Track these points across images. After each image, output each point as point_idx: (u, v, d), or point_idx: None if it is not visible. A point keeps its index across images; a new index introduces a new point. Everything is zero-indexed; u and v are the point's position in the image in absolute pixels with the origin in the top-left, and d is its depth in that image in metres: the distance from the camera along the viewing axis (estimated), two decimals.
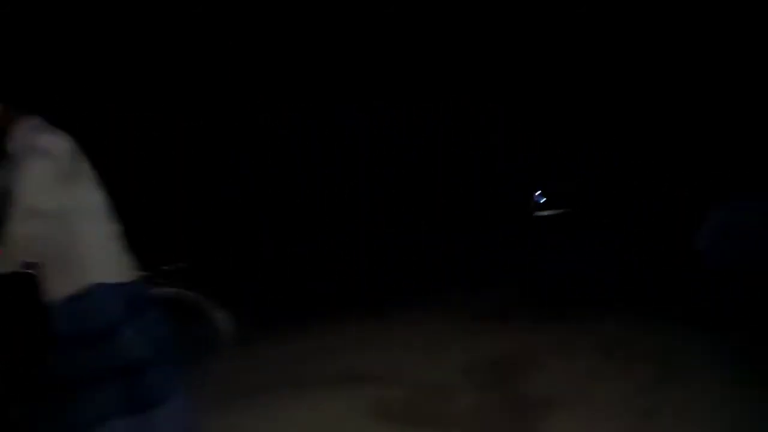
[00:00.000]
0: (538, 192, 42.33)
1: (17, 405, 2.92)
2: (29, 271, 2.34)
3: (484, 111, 20.16)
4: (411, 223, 18.73)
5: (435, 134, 20.47)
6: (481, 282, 9.32)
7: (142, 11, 11.93)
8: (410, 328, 6.17)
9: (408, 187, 19.88)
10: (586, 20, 15.58)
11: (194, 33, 12.87)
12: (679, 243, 8.00)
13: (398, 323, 6.48)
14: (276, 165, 16.26)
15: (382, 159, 19.00)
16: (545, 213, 35.53)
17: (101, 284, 2.31)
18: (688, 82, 15.01)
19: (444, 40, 16.43)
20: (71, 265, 2.29)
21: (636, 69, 16.60)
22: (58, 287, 2.29)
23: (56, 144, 2.30)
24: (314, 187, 17.14)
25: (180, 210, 13.45)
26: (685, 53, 14.53)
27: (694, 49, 14.13)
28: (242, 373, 4.99)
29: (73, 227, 2.31)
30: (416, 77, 17.39)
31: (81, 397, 2.24)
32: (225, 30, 13.25)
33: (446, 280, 9.92)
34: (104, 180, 2.51)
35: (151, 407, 2.31)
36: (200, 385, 4.71)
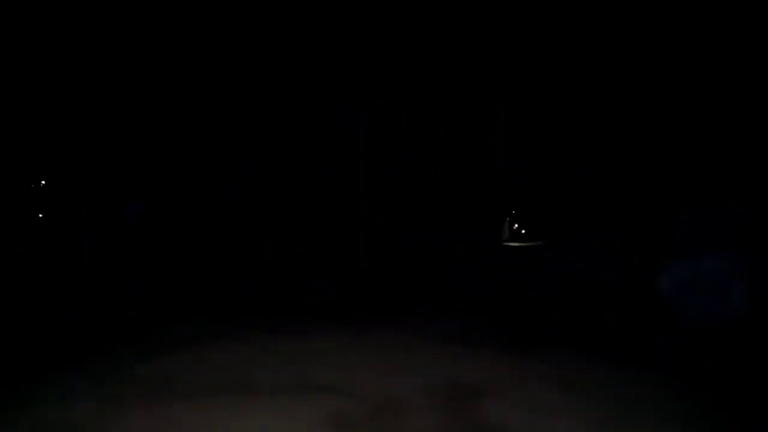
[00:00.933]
0: (513, 222, 42.84)
1: None
2: None
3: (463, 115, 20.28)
4: (389, 239, 18.73)
5: (432, 141, 20.53)
6: (450, 305, 9.35)
7: (143, 12, 11.83)
8: (374, 345, 6.11)
9: (388, 198, 19.89)
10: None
11: (194, 33, 12.80)
12: (641, 284, 8.16)
13: (362, 338, 6.40)
14: (274, 164, 16.14)
15: (376, 162, 18.99)
16: (516, 244, 35.96)
17: None
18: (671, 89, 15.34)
19: (443, 41, 16.52)
20: None
21: (633, 73, 16.82)
22: None
23: None
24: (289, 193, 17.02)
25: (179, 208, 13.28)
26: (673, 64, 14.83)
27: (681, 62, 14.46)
28: (193, 375, 4.88)
29: None
30: (416, 77, 17.41)
31: None
32: (225, 31, 13.21)
33: (415, 299, 9.92)
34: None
35: None
36: (147, 383, 4.61)
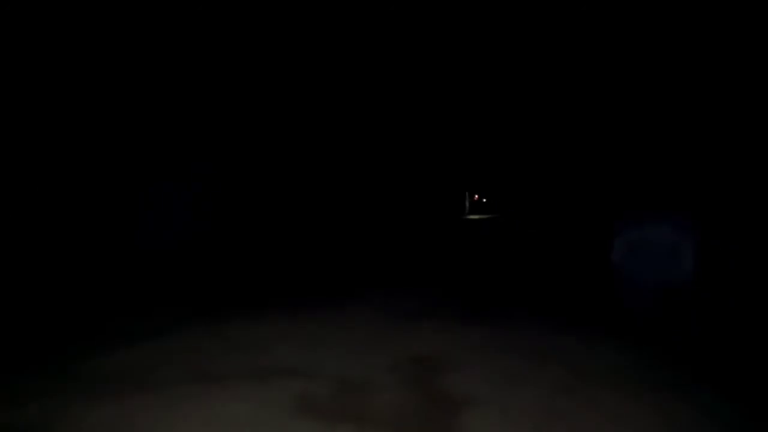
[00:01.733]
0: (478, 196, 43.46)
1: None
2: None
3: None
4: (351, 222, 18.84)
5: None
6: (410, 282, 9.48)
7: (143, 13, 11.46)
8: (338, 325, 6.16)
9: (359, 187, 20.00)
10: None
11: (194, 34, 12.48)
12: (597, 252, 8.47)
13: (326, 320, 6.44)
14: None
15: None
16: (474, 216, 36.51)
17: None
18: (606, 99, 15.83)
19: (440, 45, 16.53)
20: None
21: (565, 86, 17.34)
22: None
23: None
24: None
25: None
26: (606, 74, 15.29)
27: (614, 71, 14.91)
28: (162, 363, 4.83)
29: None
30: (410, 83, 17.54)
31: None
32: (225, 32, 12.93)
33: (376, 279, 10.00)
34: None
35: None
36: (113, 374, 4.54)
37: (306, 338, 5.58)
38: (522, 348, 5.16)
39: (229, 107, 14.37)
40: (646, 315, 5.77)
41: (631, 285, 5.64)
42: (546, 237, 16.57)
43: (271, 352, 5.05)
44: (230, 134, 14.58)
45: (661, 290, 5.36)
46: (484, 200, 48.84)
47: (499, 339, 5.52)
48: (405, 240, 18.11)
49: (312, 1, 12.57)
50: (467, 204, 40.34)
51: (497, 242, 16.98)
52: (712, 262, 6.93)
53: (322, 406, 3.79)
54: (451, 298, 7.92)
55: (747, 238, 7.95)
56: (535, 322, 6.22)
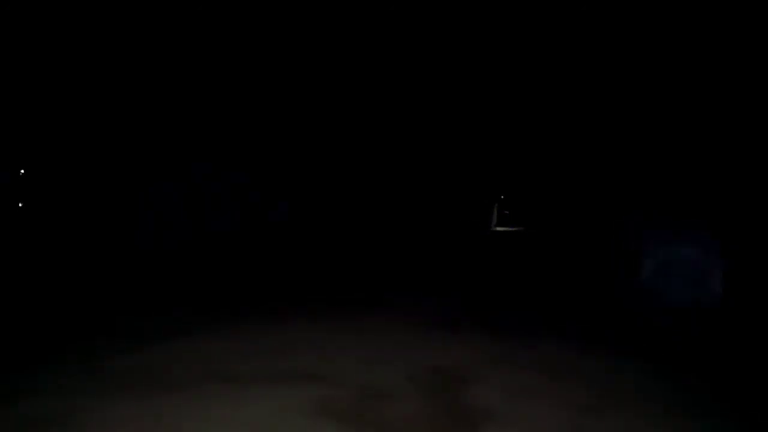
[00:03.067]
0: (502, 208, 43.25)
1: None
2: None
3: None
4: (378, 231, 18.93)
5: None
6: (435, 292, 9.43)
7: (144, 16, 11.86)
8: (361, 332, 6.17)
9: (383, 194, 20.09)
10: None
11: (195, 37, 12.83)
12: (621, 271, 8.31)
13: (349, 327, 6.46)
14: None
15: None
16: (502, 228, 36.21)
17: None
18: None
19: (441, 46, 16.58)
20: None
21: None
22: None
23: None
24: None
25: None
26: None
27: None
28: (182, 364, 4.90)
29: None
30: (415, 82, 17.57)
31: None
32: (226, 33, 13.26)
33: (401, 288, 9.99)
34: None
35: None
36: (135, 373, 4.63)
37: (331, 342, 5.61)
38: (546, 365, 5.08)
39: (257, 110, 14.59)
40: (673, 335, 5.63)
41: (659, 304, 5.53)
42: (570, 249, 16.31)
43: (292, 356, 5.09)
44: (260, 142, 14.81)
45: (690, 310, 5.25)
46: (507, 212, 48.35)
47: (524, 354, 5.44)
48: (433, 249, 18.05)
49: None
50: (495, 216, 40.10)
51: (523, 254, 16.79)
52: (741, 283, 6.74)
53: (342, 412, 3.79)
54: (475, 310, 7.86)
55: None
56: (562, 339, 6.11)
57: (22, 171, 11.33)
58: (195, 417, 3.67)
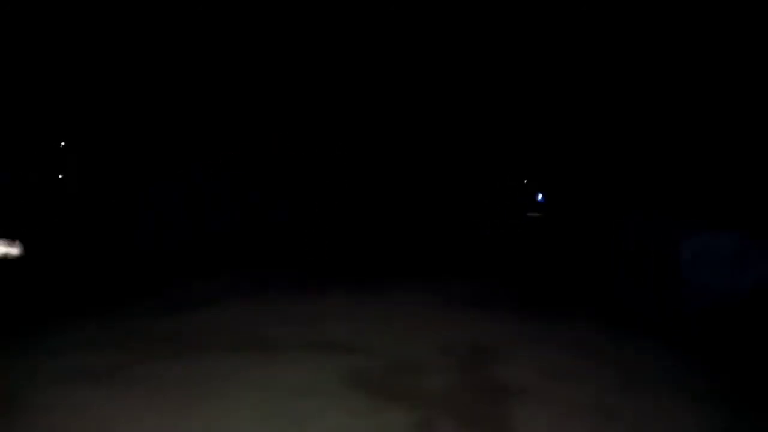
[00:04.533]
0: (537, 193, 42.60)
1: None
2: None
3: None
4: (414, 209, 18.91)
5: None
6: (469, 271, 9.44)
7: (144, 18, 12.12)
8: (396, 306, 6.25)
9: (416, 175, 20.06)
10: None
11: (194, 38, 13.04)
12: (657, 257, 8.14)
13: (385, 300, 6.55)
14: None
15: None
16: (536, 214, 35.75)
17: None
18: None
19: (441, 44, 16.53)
20: None
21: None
22: None
23: None
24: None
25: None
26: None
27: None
28: (217, 328, 5.06)
29: None
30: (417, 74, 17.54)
31: None
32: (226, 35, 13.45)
33: (436, 265, 10.04)
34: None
35: None
36: (171, 338, 4.82)
37: (367, 315, 5.71)
38: (577, 345, 5.05)
39: (264, 105, 14.70)
40: (707, 322, 5.54)
41: (695, 290, 5.44)
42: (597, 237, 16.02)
43: (328, 328, 5.20)
44: (260, 142, 14.95)
45: (726, 298, 5.16)
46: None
47: (556, 334, 5.42)
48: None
49: None
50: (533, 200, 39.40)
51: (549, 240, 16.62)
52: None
53: (375, 383, 3.87)
54: (510, 288, 7.84)
55: None
56: (594, 320, 6.05)
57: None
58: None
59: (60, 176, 12.26)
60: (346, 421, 3.25)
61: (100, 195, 11.94)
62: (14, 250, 9.91)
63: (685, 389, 4.05)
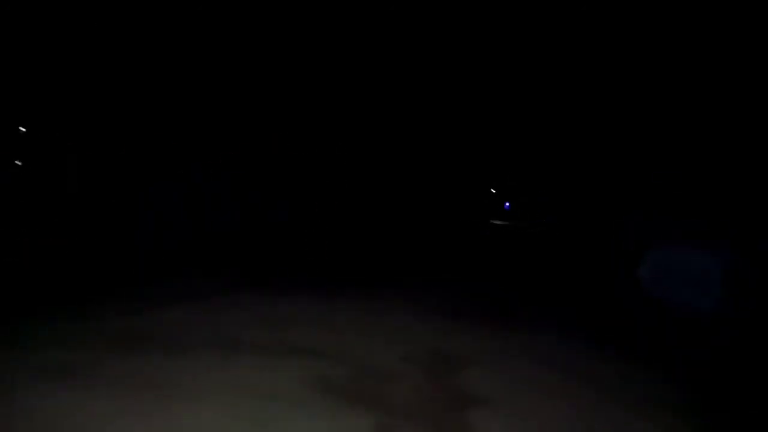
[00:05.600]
0: (504, 201, 43.12)
1: None
2: None
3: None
4: (383, 217, 19.06)
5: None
6: (436, 280, 9.48)
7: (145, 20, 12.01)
8: (362, 313, 6.25)
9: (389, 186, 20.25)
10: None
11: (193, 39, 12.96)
12: (624, 270, 8.34)
13: (354, 308, 6.54)
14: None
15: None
16: (501, 222, 36.18)
17: None
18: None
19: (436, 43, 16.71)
20: None
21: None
22: None
23: None
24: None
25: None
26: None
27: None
28: (190, 328, 4.98)
29: None
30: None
31: None
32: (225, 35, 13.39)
33: (404, 274, 10.06)
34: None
35: None
36: (145, 334, 4.73)
37: (333, 321, 5.69)
38: (546, 359, 5.08)
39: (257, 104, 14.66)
40: (666, 335, 5.68)
41: (658, 305, 5.58)
42: (571, 244, 16.38)
43: (297, 331, 5.16)
44: (260, 141, 14.90)
45: (687, 312, 5.31)
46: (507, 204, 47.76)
47: (525, 346, 5.46)
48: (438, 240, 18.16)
49: None
50: (494, 208, 40.06)
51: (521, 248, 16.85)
52: (741, 290, 6.77)
53: (340, 387, 3.85)
54: (477, 299, 7.89)
55: None
56: (564, 335, 6.11)
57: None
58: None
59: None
60: (309, 424, 3.27)
61: (100, 195, 11.74)
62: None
63: (657, 408, 4.11)
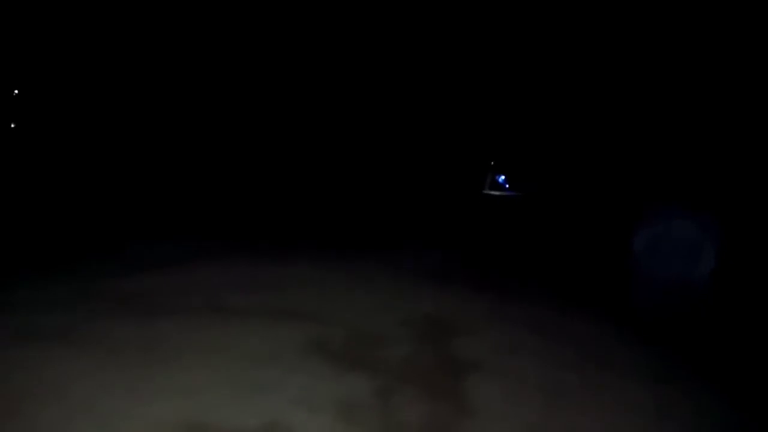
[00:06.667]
0: (498, 174, 43.08)
1: None
2: None
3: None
4: (380, 183, 19.01)
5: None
6: (430, 247, 9.54)
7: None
8: (357, 278, 6.27)
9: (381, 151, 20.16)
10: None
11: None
12: (617, 243, 8.43)
13: (347, 272, 6.56)
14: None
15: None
16: (497, 192, 36.23)
17: None
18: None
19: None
20: None
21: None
22: None
23: None
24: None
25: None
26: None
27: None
28: (179, 293, 4.99)
29: None
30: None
31: None
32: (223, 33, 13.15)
33: (399, 240, 10.10)
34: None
35: None
36: (138, 297, 4.73)
37: (329, 285, 5.72)
38: (534, 322, 5.19)
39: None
40: (658, 308, 5.79)
41: (648, 277, 5.67)
42: (563, 219, 16.48)
43: (287, 295, 5.19)
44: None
45: (678, 286, 5.40)
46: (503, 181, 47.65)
47: (513, 310, 5.56)
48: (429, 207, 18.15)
49: None
50: (489, 181, 40.00)
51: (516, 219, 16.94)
52: (732, 263, 6.87)
53: (336, 351, 3.91)
54: (468, 264, 7.97)
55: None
56: (550, 298, 6.23)
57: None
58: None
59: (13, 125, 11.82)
60: (307, 387, 3.28)
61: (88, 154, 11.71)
62: None
63: (637, 368, 4.24)
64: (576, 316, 5.71)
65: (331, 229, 10.54)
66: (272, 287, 5.44)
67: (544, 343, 4.63)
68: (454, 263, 8.08)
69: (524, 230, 13.84)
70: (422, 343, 4.31)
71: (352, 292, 5.59)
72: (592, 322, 5.51)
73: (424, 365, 3.87)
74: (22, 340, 3.61)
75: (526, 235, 12.75)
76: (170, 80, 13.01)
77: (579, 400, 3.60)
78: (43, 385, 3.03)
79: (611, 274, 8.48)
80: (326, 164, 17.35)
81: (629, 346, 4.89)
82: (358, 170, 18.55)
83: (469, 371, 3.83)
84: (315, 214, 12.90)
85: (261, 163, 15.37)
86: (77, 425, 2.65)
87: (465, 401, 3.38)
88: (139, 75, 12.58)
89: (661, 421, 3.45)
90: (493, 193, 36.19)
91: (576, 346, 4.64)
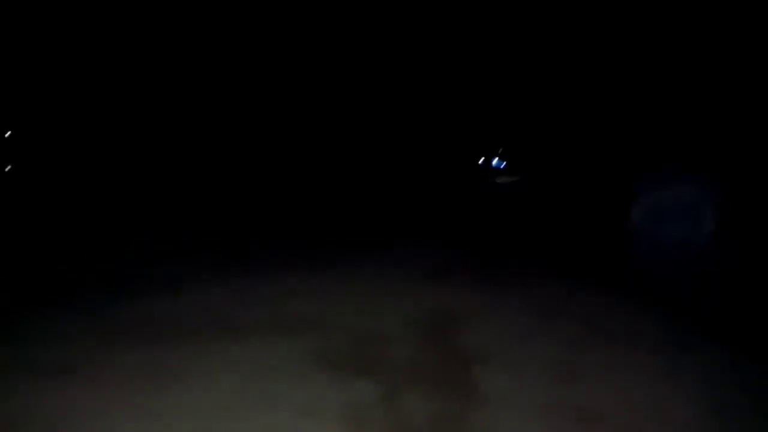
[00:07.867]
0: (498, 159, 42.87)
1: None
2: None
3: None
4: (373, 180, 18.92)
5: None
6: (427, 242, 9.49)
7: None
8: (356, 280, 6.25)
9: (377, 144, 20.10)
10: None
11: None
12: (615, 215, 8.38)
13: (345, 274, 6.54)
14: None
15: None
16: (502, 180, 36.07)
17: None
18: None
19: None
20: None
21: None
22: None
23: None
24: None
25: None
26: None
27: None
28: (180, 314, 4.98)
29: None
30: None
31: None
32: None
33: (395, 237, 10.05)
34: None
35: None
36: (140, 323, 4.71)
37: (328, 291, 5.73)
38: (536, 307, 5.17)
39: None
40: (662, 274, 5.76)
41: (650, 244, 5.65)
42: (562, 196, 16.41)
43: (292, 305, 5.19)
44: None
45: (681, 250, 5.39)
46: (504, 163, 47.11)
47: (514, 298, 5.53)
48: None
49: None
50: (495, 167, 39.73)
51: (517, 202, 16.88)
52: (732, 223, 6.81)
53: (342, 358, 3.91)
54: (467, 258, 7.92)
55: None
56: (549, 282, 6.19)
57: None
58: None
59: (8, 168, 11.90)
60: (315, 396, 3.29)
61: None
62: None
63: (641, 343, 4.21)
64: (580, 292, 5.69)
65: (331, 229, 10.47)
66: (275, 299, 5.40)
67: (550, 324, 4.62)
68: (453, 254, 8.03)
69: (523, 213, 13.77)
70: (427, 340, 4.31)
71: (352, 295, 5.56)
72: (596, 296, 5.49)
73: (431, 362, 3.87)
74: (29, 372, 3.59)
75: (525, 218, 12.67)
76: (167, 92, 13.05)
77: (589, 377, 3.60)
78: (54, 414, 3.03)
79: (613, 247, 8.42)
80: (323, 157, 17.23)
81: (635, 315, 4.88)
82: (354, 163, 18.43)
83: (477, 362, 3.83)
84: (314, 214, 12.81)
85: (260, 163, 15.31)
86: None
87: (476, 392, 3.38)
88: (137, 85, 12.59)
89: (674, 390, 3.44)
90: (499, 180, 35.99)
91: (582, 324, 4.62)
